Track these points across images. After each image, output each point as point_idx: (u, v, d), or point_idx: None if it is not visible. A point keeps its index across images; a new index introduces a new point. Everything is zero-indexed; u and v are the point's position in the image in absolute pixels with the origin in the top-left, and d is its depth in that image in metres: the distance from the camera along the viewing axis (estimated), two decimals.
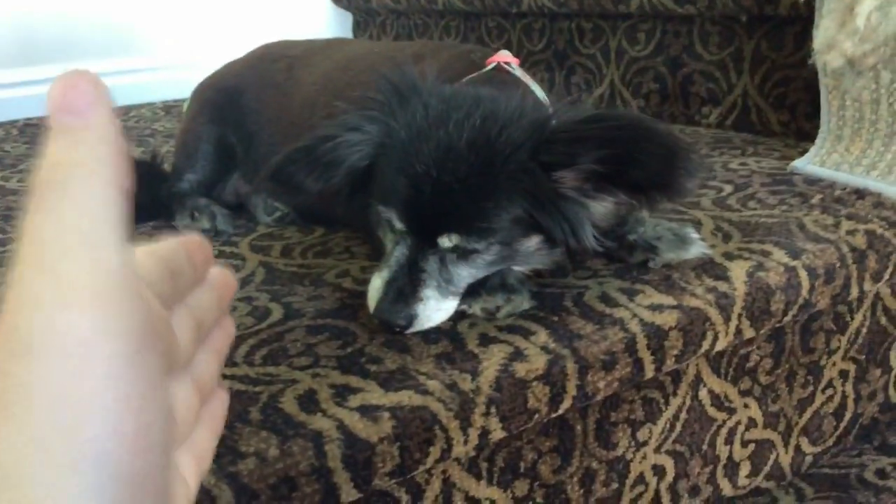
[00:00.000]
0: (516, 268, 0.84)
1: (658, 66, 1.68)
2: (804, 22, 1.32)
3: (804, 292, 0.92)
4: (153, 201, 1.20)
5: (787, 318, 0.93)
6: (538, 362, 0.75)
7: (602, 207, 0.79)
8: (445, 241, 0.77)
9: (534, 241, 0.80)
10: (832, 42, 1.15)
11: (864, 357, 1.09)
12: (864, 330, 1.08)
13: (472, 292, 0.81)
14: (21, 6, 2.21)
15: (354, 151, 0.80)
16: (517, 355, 0.75)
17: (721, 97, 1.58)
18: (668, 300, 0.84)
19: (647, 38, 1.69)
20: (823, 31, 1.16)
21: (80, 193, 0.27)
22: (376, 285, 0.79)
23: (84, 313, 0.26)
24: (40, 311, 0.26)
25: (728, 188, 1.16)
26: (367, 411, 0.67)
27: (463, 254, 0.78)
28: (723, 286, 0.87)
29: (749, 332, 0.89)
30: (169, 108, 2.18)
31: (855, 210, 1.05)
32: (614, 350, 0.79)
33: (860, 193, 1.10)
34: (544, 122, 0.77)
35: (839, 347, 1.06)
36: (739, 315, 0.87)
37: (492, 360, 0.74)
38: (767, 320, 0.90)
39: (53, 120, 0.27)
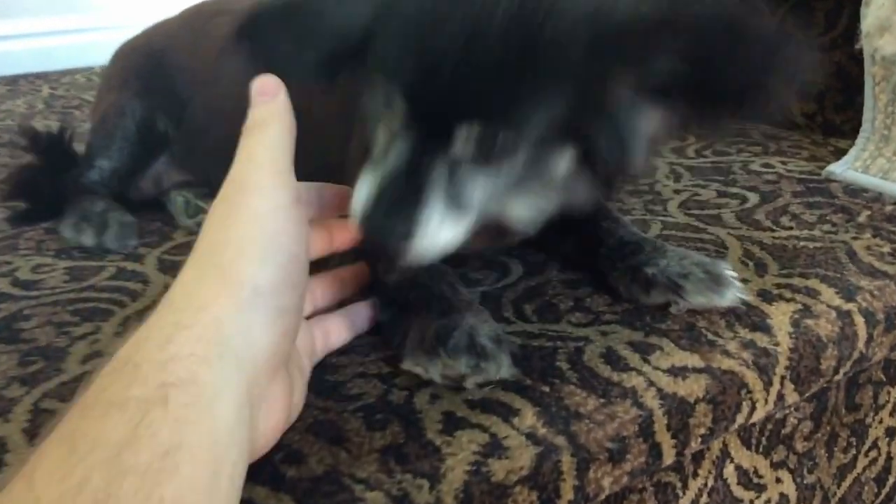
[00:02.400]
0: (522, 213, 0.65)
1: None
2: None
3: (860, 344, 0.72)
4: (51, 196, 0.97)
5: (839, 377, 0.73)
6: (523, 458, 0.54)
7: (652, 122, 0.58)
8: (463, 134, 0.55)
9: (566, 158, 0.59)
10: (887, 23, 0.94)
11: None
12: None
13: (430, 350, 0.59)
14: None
15: (346, 15, 0.59)
16: (494, 447, 0.54)
17: None
18: (693, 360, 0.64)
19: None
20: (876, 10, 0.95)
21: (271, 133, 0.51)
22: (363, 192, 0.56)
23: (268, 177, 0.50)
24: (245, 174, 0.50)
25: (753, 197, 0.96)
26: None
27: (480, 155, 0.56)
28: (762, 340, 0.67)
29: (793, 397, 0.69)
30: None
31: None
32: (624, 434, 0.58)
33: None
34: (609, 8, 0.55)
35: (888, 402, 0.86)
36: (783, 378, 0.67)
37: (459, 457, 0.53)
38: (815, 381, 0.71)
39: (254, 98, 0.52)
